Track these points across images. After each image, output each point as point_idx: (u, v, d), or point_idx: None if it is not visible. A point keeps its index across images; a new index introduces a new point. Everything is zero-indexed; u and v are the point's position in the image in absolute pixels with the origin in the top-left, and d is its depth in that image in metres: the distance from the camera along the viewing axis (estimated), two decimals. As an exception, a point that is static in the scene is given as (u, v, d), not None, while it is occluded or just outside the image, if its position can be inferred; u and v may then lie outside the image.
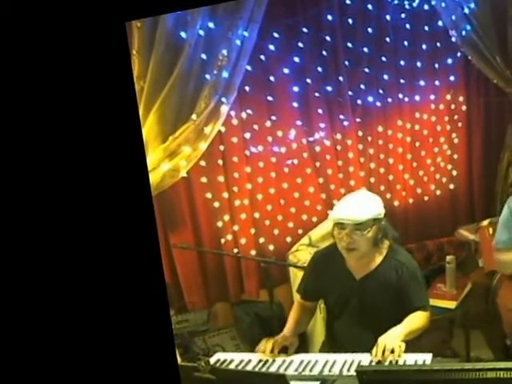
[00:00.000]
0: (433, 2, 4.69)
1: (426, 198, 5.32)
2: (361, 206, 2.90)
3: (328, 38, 4.45)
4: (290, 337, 2.98)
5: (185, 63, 3.59)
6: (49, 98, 1.64)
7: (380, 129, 4.91)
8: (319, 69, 4.47)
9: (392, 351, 2.66)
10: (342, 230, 2.87)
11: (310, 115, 4.54)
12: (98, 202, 1.67)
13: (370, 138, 4.89)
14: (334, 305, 3.10)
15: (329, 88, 4.54)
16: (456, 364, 2.45)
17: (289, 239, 4.58)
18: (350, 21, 4.51)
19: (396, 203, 5.11)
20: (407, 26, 4.74)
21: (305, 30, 4.32)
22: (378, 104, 4.81)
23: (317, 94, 4.51)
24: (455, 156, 5.39)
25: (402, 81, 4.89)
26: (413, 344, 2.89)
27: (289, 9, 4.29)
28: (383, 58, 4.73)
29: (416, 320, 2.89)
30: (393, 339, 2.71)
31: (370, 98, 4.74)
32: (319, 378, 2.68)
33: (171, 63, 3.58)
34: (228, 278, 4.45)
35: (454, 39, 4.77)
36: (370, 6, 4.57)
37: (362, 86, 4.70)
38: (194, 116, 3.67)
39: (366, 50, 4.62)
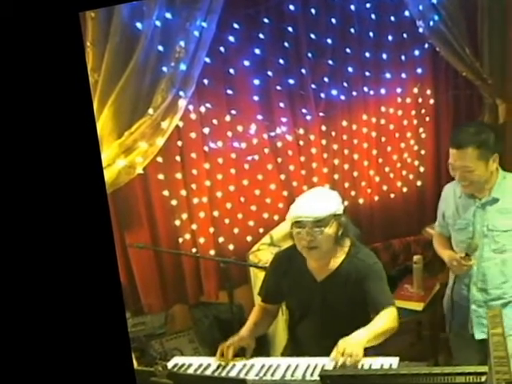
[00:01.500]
0: (400, -9, 4.82)
1: (392, 196, 5.45)
2: (319, 202, 2.99)
3: (290, 29, 4.52)
4: (247, 338, 3.06)
5: (141, 55, 3.63)
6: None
7: (344, 123, 5.02)
8: (281, 61, 4.55)
9: (350, 355, 2.69)
10: (301, 229, 2.95)
11: (272, 109, 4.64)
12: (50, 201, 1.62)
13: (333, 133, 4.99)
14: (296, 307, 3.22)
15: (291, 81, 4.63)
16: (424, 368, 2.54)
17: (249, 238, 4.68)
18: (313, 11, 4.58)
19: (361, 201, 5.24)
20: (372, 16, 4.85)
21: (266, 20, 4.40)
22: (343, 97, 4.92)
23: (278, 87, 4.60)
24: (422, 152, 5.53)
25: (367, 73, 5.01)
26: (379, 347, 2.96)
27: (249, -2, 4.39)
28: (347, 50, 4.83)
29: (382, 322, 2.94)
30: (353, 343, 2.75)
31: (334, 92, 4.85)
32: (281, 382, 2.77)
33: (127, 55, 3.63)
34: (186, 278, 4.53)
35: (421, 30, 4.88)
36: (333, -5, 4.68)
37: (326, 79, 4.79)
38: (150, 110, 3.72)
39: (329, 41, 4.71)
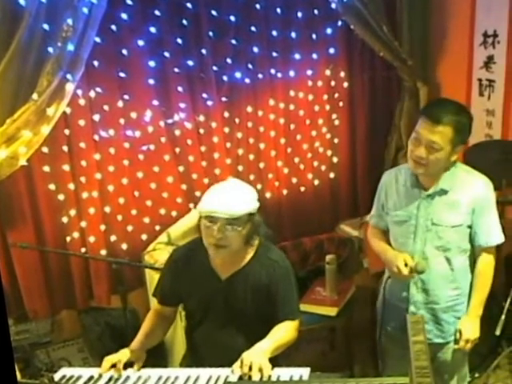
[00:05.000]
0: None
1: (302, 189, 5.86)
2: (236, 198, 3.10)
3: (189, 5, 4.83)
4: (137, 351, 3.20)
5: (24, 35, 3.79)
6: None
7: (249, 109, 5.37)
8: (179, 40, 4.84)
9: (260, 369, 2.85)
10: (213, 224, 3.07)
11: (169, 94, 4.92)
12: None
13: (237, 120, 5.33)
14: (196, 309, 3.38)
15: (190, 62, 4.92)
16: (337, 380, 2.72)
17: (144, 237, 4.99)
18: (215, -16, 4.88)
19: (268, 195, 5.60)
20: (280, -10, 5.20)
21: (162, -5, 4.66)
22: (247, 81, 5.27)
23: (176, 70, 4.88)
24: (336, 140, 5.96)
25: (274, 54, 5.36)
26: (288, 357, 3.22)
27: (143, -28, 4.59)
28: (253, 28, 5.17)
29: (283, 332, 3.16)
30: (260, 355, 2.92)
31: (238, 74, 5.19)
32: (180, 396, 2.95)
33: (8, 35, 3.78)
34: (75, 281, 4.76)
35: (334, 6, 5.31)
36: (236, -32, 4.96)
37: (229, 60, 5.12)
38: (34, 95, 3.89)
39: (232, 18, 5.04)
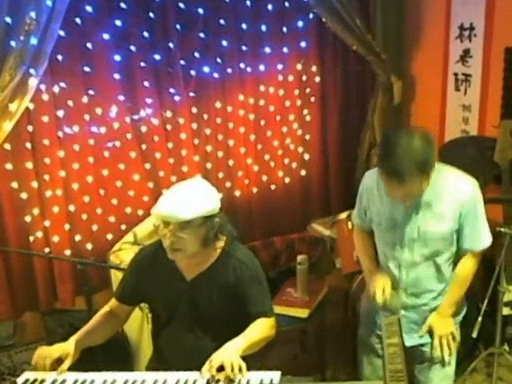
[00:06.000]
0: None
1: (272, 187, 5.93)
2: (189, 201, 3.09)
3: None
4: (72, 348, 3.18)
5: None
6: None
7: (218, 105, 5.44)
8: (145, 34, 4.91)
9: (232, 369, 2.87)
10: (165, 228, 3.11)
11: (135, 89, 4.99)
12: None
13: (205, 116, 5.39)
14: (162, 311, 3.41)
15: (157, 56, 5.00)
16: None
17: (110, 236, 5.06)
18: (181, -24, 4.92)
19: (237, 193, 5.69)
20: (250, -18, 5.25)
21: (128, -13, 4.69)
22: (216, 75, 5.35)
23: (143, 64, 4.95)
24: (307, 137, 6.05)
25: (243, 48, 5.43)
26: (258, 359, 3.21)
27: (108, -37, 4.63)
28: (221, 21, 5.25)
29: (257, 329, 3.17)
30: (230, 354, 2.95)
31: (206, 69, 5.26)
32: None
33: None
34: (38, 282, 4.81)
35: None
36: (204, -42, 4.99)
37: (197, 54, 5.18)
38: None
39: (200, 11, 5.11)
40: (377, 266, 3.74)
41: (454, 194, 3.42)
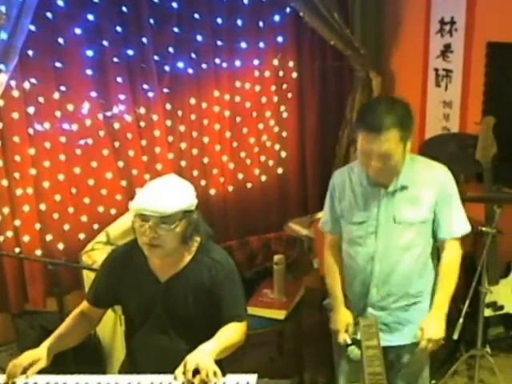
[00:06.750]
0: None
1: (248, 185, 6.00)
2: (169, 194, 3.13)
3: None
4: (40, 353, 3.19)
5: None
6: None
7: (192, 101, 5.49)
8: (118, 28, 4.95)
9: (207, 373, 2.88)
10: (145, 223, 3.13)
11: (108, 85, 5.03)
12: None
13: (180, 113, 5.45)
14: (135, 313, 3.42)
15: (130, 52, 5.04)
16: None
17: (82, 236, 5.10)
18: (155, -31, 4.96)
19: (212, 191, 5.75)
20: (224, -25, 5.31)
21: (100, -19, 4.73)
22: (190, 71, 5.40)
23: (115, 59, 4.98)
24: (284, 134, 6.12)
25: (219, 42, 5.48)
26: (233, 362, 3.26)
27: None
28: (196, 15, 5.30)
29: (229, 333, 3.20)
30: (204, 357, 2.95)
31: (181, 64, 5.31)
32: (119, 404, 2.99)
33: None
34: (8, 283, 4.86)
35: None
36: (178, -49, 5.04)
37: (171, 50, 5.23)
38: None
39: (174, 5, 5.17)
40: (342, 293, 3.77)
41: (429, 180, 3.52)
